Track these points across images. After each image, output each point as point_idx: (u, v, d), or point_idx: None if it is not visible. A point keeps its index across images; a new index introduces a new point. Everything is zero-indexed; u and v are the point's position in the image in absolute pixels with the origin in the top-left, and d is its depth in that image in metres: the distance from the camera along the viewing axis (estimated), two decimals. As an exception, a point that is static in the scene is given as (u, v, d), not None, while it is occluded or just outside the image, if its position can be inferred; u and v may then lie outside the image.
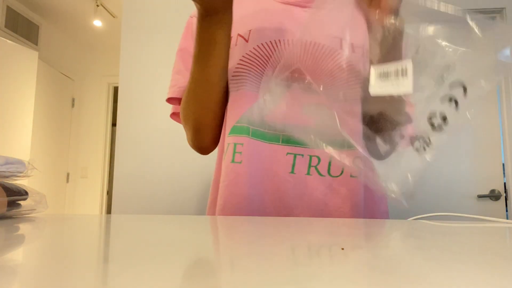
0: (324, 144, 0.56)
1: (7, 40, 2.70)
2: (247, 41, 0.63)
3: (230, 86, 0.63)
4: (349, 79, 0.64)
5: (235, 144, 0.60)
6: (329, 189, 0.60)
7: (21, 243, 0.26)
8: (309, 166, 0.60)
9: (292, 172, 0.60)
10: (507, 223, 0.40)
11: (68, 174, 3.63)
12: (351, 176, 0.61)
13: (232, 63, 0.62)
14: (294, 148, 0.61)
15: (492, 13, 1.95)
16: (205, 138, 0.66)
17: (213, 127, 0.65)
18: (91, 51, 3.93)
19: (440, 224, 0.39)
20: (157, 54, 1.99)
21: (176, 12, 2.01)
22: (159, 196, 1.90)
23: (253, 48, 0.62)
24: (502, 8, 1.92)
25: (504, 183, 1.81)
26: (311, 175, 0.60)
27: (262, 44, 0.62)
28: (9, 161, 0.47)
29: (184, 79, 0.66)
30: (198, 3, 0.53)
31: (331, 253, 0.21)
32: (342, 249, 0.22)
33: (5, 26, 2.83)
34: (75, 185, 3.70)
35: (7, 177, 0.47)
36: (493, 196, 1.79)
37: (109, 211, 3.76)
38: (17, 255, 0.22)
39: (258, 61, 0.61)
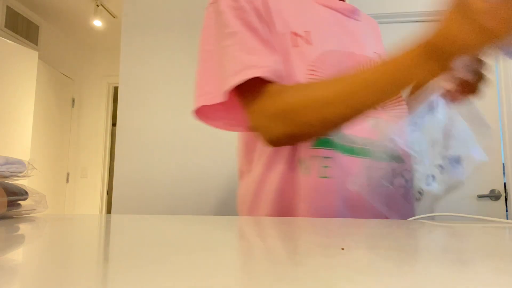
0: (385, 157, 0.60)
1: (7, 40, 2.70)
2: (310, 43, 0.59)
3: None
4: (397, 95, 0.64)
5: (322, 158, 0.57)
6: (390, 200, 0.60)
7: (21, 243, 0.26)
8: (378, 178, 0.60)
9: (369, 185, 0.59)
10: (507, 223, 0.40)
11: (68, 174, 3.63)
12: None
13: (302, 65, 0.58)
14: (365, 160, 0.60)
15: (492, 13, 1.95)
16: (300, 142, 0.59)
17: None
18: (91, 51, 3.93)
19: (440, 224, 0.39)
20: (157, 54, 1.99)
21: (176, 12, 2.02)
22: (159, 196, 1.90)
23: (321, 54, 0.59)
24: (502, 8, 1.92)
25: (504, 183, 1.81)
26: (380, 186, 0.60)
27: (327, 52, 0.59)
28: (9, 161, 0.47)
29: (268, 59, 0.56)
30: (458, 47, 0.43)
31: (331, 253, 0.21)
32: (342, 249, 0.22)
33: (5, 26, 2.83)
34: (75, 185, 3.71)
35: (7, 177, 0.47)
36: (493, 196, 1.79)
37: (109, 211, 3.77)
38: (17, 255, 0.22)
39: (327, 70, 0.58)
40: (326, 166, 0.57)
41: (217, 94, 0.60)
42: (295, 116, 0.54)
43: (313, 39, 0.59)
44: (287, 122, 0.54)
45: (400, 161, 0.63)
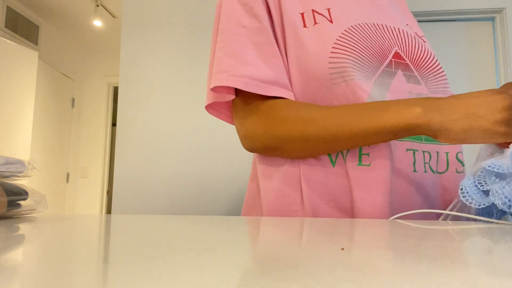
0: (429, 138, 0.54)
1: (7, 40, 2.70)
2: (331, 21, 0.55)
3: (332, 76, 0.52)
4: (435, 68, 0.60)
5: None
6: (442, 187, 0.55)
7: (21, 243, 0.26)
8: (424, 163, 0.54)
9: (415, 170, 0.53)
10: (499, 223, 0.40)
11: (68, 174, 3.63)
12: (457, 172, 0.56)
13: (322, 45, 0.53)
14: (410, 143, 0.54)
15: (492, 13, 1.95)
16: (279, 155, 0.55)
17: None
18: (91, 51, 3.93)
19: (440, 225, 0.39)
20: (157, 54, 1.99)
21: (176, 12, 2.01)
22: (159, 196, 1.90)
23: (345, 30, 0.54)
24: (502, 8, 1.92)
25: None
26: (426, 172, 0.54)
27: (354, 27, 0.54)
28: (9, 161, 0.47)
29: (242, 68, 0.52)
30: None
31: (331, 253, 0.21)
32: (342, 249, 0.22)
33: (5, 26, 2.83)
34: (75, 185, 3.71)
35: (7, 177, 0.47)
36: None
37: (109, 211, 3.77)
38: (17, 255, 0.22)
39: (354, 46, 0.53)
40: (364, 154, 0.51)
41: (209, 94, 0.58)
42: (277, 129, 0.52)
43: (333, 16, 0.55)
44: (269, 134, 0.52)
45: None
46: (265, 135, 0.53)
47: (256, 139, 0.54)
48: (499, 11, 1.93)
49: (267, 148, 0.54)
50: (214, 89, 0.55)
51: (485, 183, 0.39)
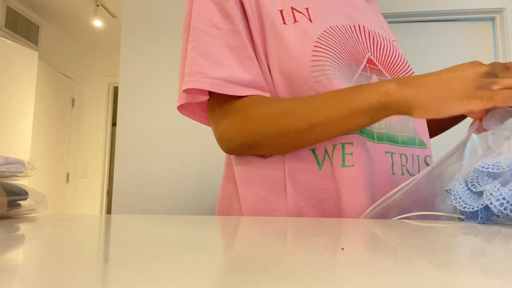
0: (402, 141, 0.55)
1: (7, 40, 2.70)
2: (310, 21, 0.54)
3: (314, 74, 0.51)
4: (408, 72, 0.61)
5: (343, 145, 0.50)
6: (416, 191, 0.53)
7: (21, 243, 0.26)
8: (401, 165, 0.55)
9: (393, 173, 0.53)
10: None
11: (68, 174, 3.63)
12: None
13: (305, 44, 0.52)
14: (388, 146, 0.54)
15: (492, 13, 1.95)
16: (258, 152, 0.55)
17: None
18: (91, 51, 3.93)
19: (440, 225, 0.39)
20: (157, 54, 1.99)
21: (176, 12, 2.01)
22: (159, 196, 1.90)
23: (324, 31, 0.53)
24: (502, 8, 1.92)
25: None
26: (404, 175, 0.54)
27: (332, 28, 0.54)
28: (9, 161, 0.47)
29: (215, 70, 0.51)
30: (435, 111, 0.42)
31: (331, 253, 0.21)
32: (342, 249, 0.22)
33: (5, 26, 2.83)
34: (75, 185, 3.71)
35: (7, 177, 0.47)
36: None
37: (109, 211, 3.77)
38: (17, 255, 0.22)
39: (333, 48, 0.53)
40: (347, 154, 0.50)
41: (181, 94, 0.57)
42: (252, 126, 0.51)
43: (312, 16, 0.55)
44: (244, 132, 0.52)
45: (422, 145, 0.59)
46: (241, 133, 0.52)
47: (232, 138, 0.53)
48: (499, 11, 1.93)
49: (244, 146, 0.53)
50: (187, 90, 0.54)
51: (478, 184, 0.39)
